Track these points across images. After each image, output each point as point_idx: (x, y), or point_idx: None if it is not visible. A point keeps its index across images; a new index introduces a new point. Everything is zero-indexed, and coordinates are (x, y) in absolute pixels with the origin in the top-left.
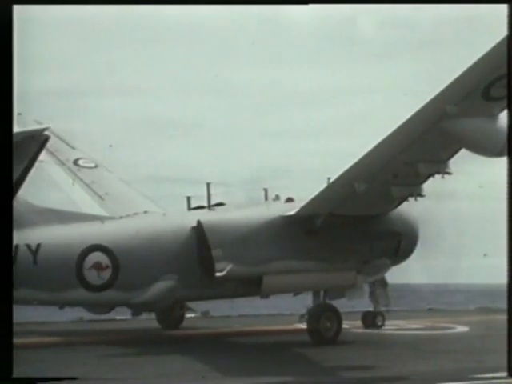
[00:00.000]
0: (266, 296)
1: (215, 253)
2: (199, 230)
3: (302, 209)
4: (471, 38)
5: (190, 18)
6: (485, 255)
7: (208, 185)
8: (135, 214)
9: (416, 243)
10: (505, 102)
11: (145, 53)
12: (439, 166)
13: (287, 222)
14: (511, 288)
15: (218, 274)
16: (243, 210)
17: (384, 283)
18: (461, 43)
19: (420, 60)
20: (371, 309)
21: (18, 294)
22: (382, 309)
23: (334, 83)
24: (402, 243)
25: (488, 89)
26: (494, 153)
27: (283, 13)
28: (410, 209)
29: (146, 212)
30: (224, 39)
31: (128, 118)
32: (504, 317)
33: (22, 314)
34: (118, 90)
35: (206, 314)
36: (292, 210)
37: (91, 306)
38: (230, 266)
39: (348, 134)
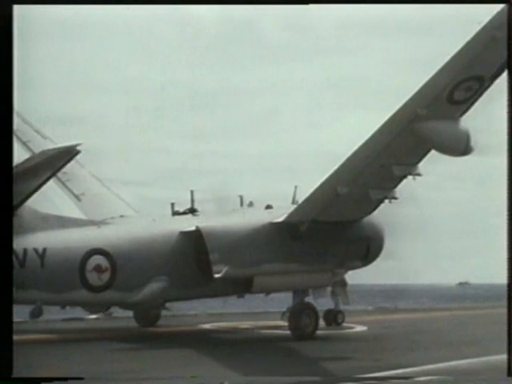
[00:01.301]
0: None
1: (213, 256)
2: (197, 235)
3: (289, 216)
4: (375, 45)
5: (105, 17)
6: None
7: (192, 192)
8: (123, 217)
9: (382, 247)
10: (465, 106)
11: None
12: (411, 168)
13: (275, 228)
14: (511, 288)
15: (216, 276)
16: (232, 216)
17: (344, 283)
18: (362, 51)
19: (323, 64)
20: (332, 307)
21: (27, 294)
22: (342, 307)
23: (239, 84)
24: (371, 247)
25: (452, 93)
26: (459, 152)
27: (190, 14)
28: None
29: (122, 216)
30: (128, 39)
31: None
32: (401, 316)
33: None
34: None
35: (108, 315)
36: (272, 216)
37: (91, 306)
38: (225, 268)
39: (253, 134)
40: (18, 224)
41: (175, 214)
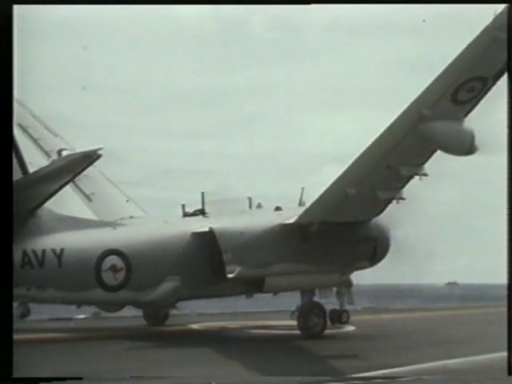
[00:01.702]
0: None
1: (226, 257)
2: (210, 235)
3: (300, 217)
4: (364, 46)
5: (88, 17)
6: None
7: (202, 194)
8: (137, 218)
9: (389, 247)
10: (469, 106)
11: None
12: (417, 168)
13: (286, 229)
14: (511, 289)
15: (229, 276)
16: (242, 217)
17: (349, 283)
18: (351, 51)
19: (309, 65)
20: (337, 307)
21: (45, 293)
22: (347, 307)
23: (225, 84)
24: (378, 247)
25: (456, 93)
26: (463, 151)
27: (174, 12)
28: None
29: (131, 217)
30: (111, 38)
31: None
32: (390, 316)
33: None
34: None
35: (96, 316)
36: (282, 217)
37: (106, 305)
38: (238, 269)
39: (239, 135)
40: (37, 225)
41: (185, 215)
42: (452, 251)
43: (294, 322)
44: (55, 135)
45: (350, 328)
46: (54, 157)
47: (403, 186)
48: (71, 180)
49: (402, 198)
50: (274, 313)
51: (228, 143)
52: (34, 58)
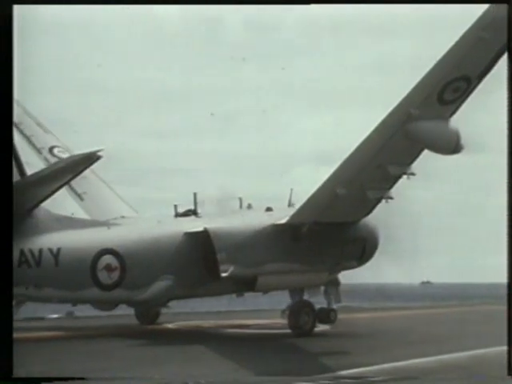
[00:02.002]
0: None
1: (220, 256)
2: (204, 235)
3: (292, 218)
4: (340, 47)
5: (61, 17)
6: None
7: (195, 194)
8: (131, 218)
9: (377, 247)
10: (455, 106)
11: None
12: (405, 167)
13: (279, 229)
14: (511, 288)
15: (223, 275)
16: (234, 217)
17: (337, 282)
18: (328, 52)
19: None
20: (325, 306)
21: (42, 292)
22: (334, 306)
23: (203, 83)
24: (366, 247)
25: (442, 93)
26: (449, 151)
27: (153, 12)
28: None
29: (123, 217)
30: (93, 37)
31: None
32: (364, 315)
33: None
34: None
35: (70, 315)
36: (273, 218)
37: (101, 304)
38: (232, 268)
39: (219, 133)
40: (34, 225)
41: (177, 215)
42: (426, 250)
43: (283, 321)
44: (46, 132)
45: (325, 327)
46: (45, 153)
47: (392, 185)
48: (70, 181)
49: (391, 198)
50: (256, 312)
51: (203, 142)
52: (34, 57)
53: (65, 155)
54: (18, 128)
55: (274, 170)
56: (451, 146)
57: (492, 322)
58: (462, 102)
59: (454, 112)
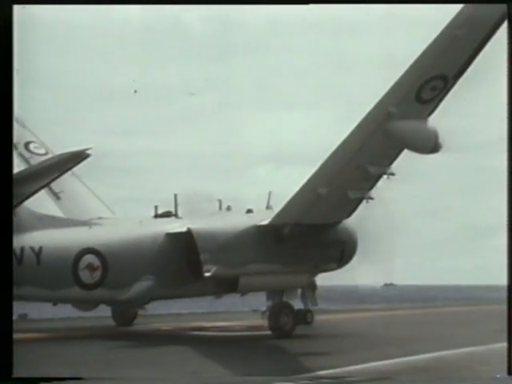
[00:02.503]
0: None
1: (203, 257)
2: (186, 236)
3: (274, 219)
4: (305, 44)
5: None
6: None
7: (175, 196)
8: (112, 218)
9: (355, 250)
10: (432, 105)
11: None
12: (385, 167)
13: (261, 230)
14: (511, 288)
15: (206, 275)
16: (215, 219)
17: (313, 285)
18: (292, 50)
19: (250, 62)
20: (302, 307)
21: (23, 291)
22: (311, 307)
23: (164, 81)
24: (345, 250)
25: (419, 92)
26: (428, 150)
27: (116, 10)
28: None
29: (100, 218)
30: (54, 36)
31: None
32: (325, 317)
33: None
34: None
35: (23, 318)
36: (254, 219)
37: (82, 303)
38: (214, 268)
39: (182, 133)
40: (16, 223)
41: (156, 216)
42: (389, 252)
43: (263, 322)
44: (23, 126)
45: None
46: (21, 149)
47: (372, 185)
48: (56, 179)
49: (371, 198)
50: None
51: (163, 141)
52: (34, 57)
53: (40, 151)
54: None
55: (234, 169)
56: (430, 145)
57: (453, 323)
58: (440, 101)
59: (432, 111)
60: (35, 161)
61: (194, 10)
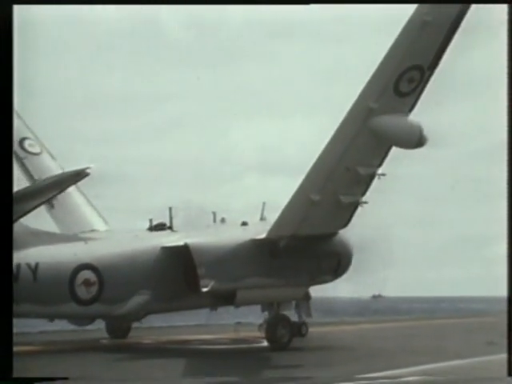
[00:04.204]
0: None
1: (200, 271)
2: (183, 250)
3: (270, 232)
4: (288, 53)
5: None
6: None
7: (170, 209)
8: (108, 232)
9: (351, 262)
10: (412, 99)
11: None
12: (375, 168)
13: (257, 244)
14: (511, 289)
15: (203, 289)
16: (210, 232)
17: (308, 297)
18: (274, 55)
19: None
20: (296, 320)
21: (20, 308)
22: (305, 319)
23: (145, 88)
24: (341, 262)
25: (397, 84)
26: (413, 144)
27: (91, 13)
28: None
29: (93, 230)
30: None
31: None
32: (314, 329)
33: None
34: None
35: None
36: (250, 232)
37: (79, 319)
38: (212, 283)
39: (165, 139)
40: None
41: (151, 228)
42: (377, 263)
43: (260, 334)
44: (18, 117)
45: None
46: (16, 146)
47: (365, 189)
48: (54, 197)
49: (365, 202)
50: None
51: (148, 149)
52: (34, 57)
53: (35, 150)
54: None
55: (219, 178)
56: (414, 139)
57: (439, 336)
58: (419, 94)
59: (412, 106)
60: (29, 161)
61: (181, 17)
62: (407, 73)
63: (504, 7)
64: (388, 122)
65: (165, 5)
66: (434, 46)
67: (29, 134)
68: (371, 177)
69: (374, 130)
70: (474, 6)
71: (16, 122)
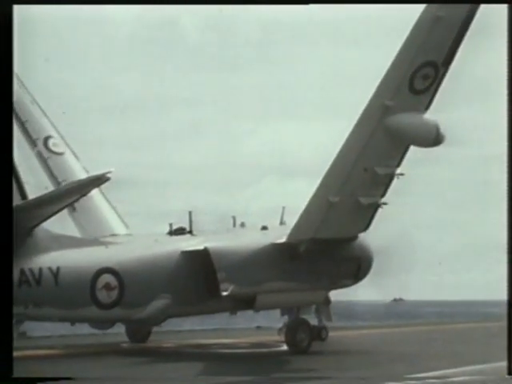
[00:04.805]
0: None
1: (220, 275)
2: (202, 254)
3: (290, 236)
4: (303, 56)
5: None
6: None
7: (190, 213)
8: (128, 236)
9: (371, 266)
10: (428, 97)
11: None
12: (393, 168)
13: (277, 248)
14: (511, 290)
15: (223, 294)
16: (230, 236)
17: (327, 301)
18: (292, 59)
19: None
20: (316, 324)
21: (42, 312)
22: (325, 323)
23: (164, 91)
24: (362, 266)
25: (412, 81)
26: (430, 143)
27: (110, 15)
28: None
29: (113, 235)
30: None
31: None
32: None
33: None
34: None
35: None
36: (270, 237)
37: (100, 322)
38: (232, 287)
39: (188, 145)
40: (34, 244)
41: (171, 233)
42: (398, 267)
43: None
44: (42, 115)
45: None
46: (40, 145)
47: (384, 190)
48: (75, 201)
49: (384, 203)
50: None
51: (168, 154)
52: (34, 57)
53: (59, 149)
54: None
55: (239, 183)
56: (431, 137)
57: (459, 341)
58: (435, 91)
59: (428, 104)
60: (53, 162)
61: (195, 20)
62: (421, 69)
63: (504, 7)
64: (404, 120)
65: (165, 4)
66: (447, 42)
67: (53, 133)
68: (390, 177)
69: (391, 128)
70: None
71: (41, 120)
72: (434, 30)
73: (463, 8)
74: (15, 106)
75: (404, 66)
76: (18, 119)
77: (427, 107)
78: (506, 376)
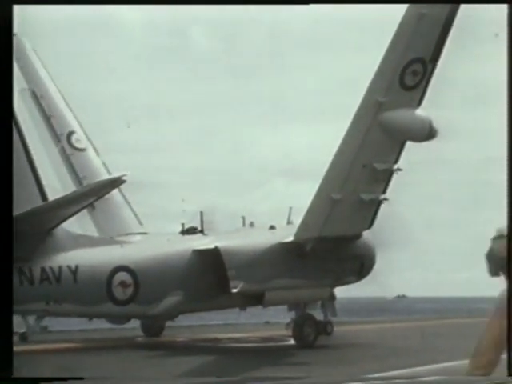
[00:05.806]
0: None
1: (230, 273)
2: (213, 252)
3: (296, 235)
4: (310, 62)
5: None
6: None
7: (201, 213)
8: (142, 235)
9: (374, 264)
10: (419, 93)
11: None
12: (391, 163)
13: (284, 247)
14: (511, 289)
15: (233, 291)
16: (240, 235)
17: (333, 297)
18: (300, 66)
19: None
20: (321, 319)
21: (62, 308)
22: (330, 318)
23: (175, 98)
24: (365, 264)
25: (402, 78)
26: (423, 137)
27: (118, 21)
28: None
29: (128, 234)
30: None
31: None
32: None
33: None
34: None
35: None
36: (277, 236)
37: (116, 318)
38: (241, 284)
39: (199, 148)
40: (54, 243)
41: (183, 232)
42: (400, 264)
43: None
44: (69, 109)
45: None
46: (63, 141)
47: (385, 186)
48: (93, 203)
49: (386, 199)
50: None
51: (180, 157)
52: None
53: (81, 145)
54: (38, 102)
55: (248, 185)
56: (424, 132)
57: (462, 336)
58: (425, 87)
59: (420, 99)
60: (76, 159)
61: (202, 27)
62: (410, 66)
63: (504, 7)
64: (397, 115)
65: (165, 4)
66: (433, 38)
67: (76, 128)
68: (389, 173)
69: (385, 124)
70: (473, 6)
71: (65, 115)
72: (419, 26)
73: (446, 5)
74: (42, 101)
75: (394, 63)
76: (44, 113)
77: (419, 103)
78: (506, 376)
